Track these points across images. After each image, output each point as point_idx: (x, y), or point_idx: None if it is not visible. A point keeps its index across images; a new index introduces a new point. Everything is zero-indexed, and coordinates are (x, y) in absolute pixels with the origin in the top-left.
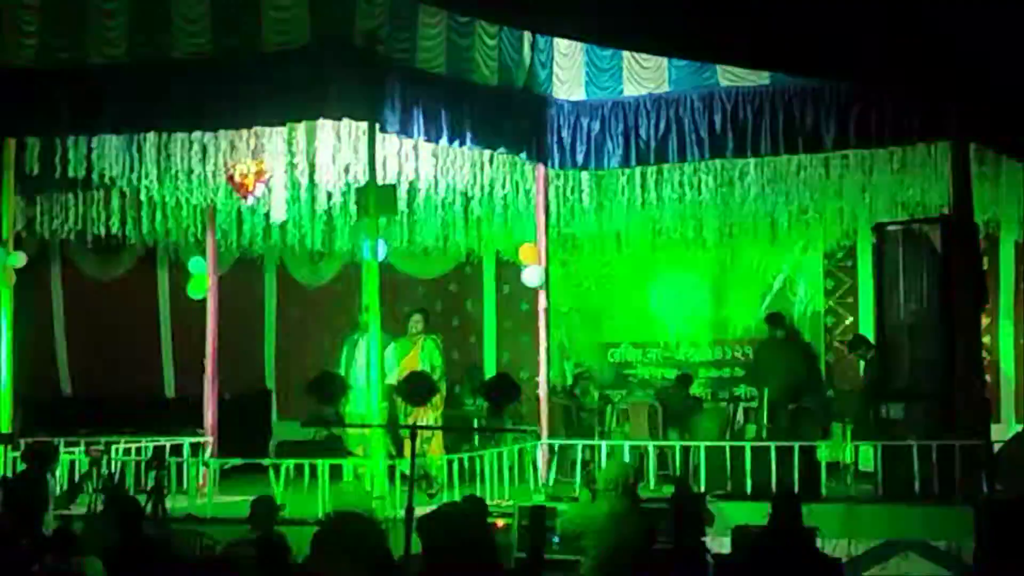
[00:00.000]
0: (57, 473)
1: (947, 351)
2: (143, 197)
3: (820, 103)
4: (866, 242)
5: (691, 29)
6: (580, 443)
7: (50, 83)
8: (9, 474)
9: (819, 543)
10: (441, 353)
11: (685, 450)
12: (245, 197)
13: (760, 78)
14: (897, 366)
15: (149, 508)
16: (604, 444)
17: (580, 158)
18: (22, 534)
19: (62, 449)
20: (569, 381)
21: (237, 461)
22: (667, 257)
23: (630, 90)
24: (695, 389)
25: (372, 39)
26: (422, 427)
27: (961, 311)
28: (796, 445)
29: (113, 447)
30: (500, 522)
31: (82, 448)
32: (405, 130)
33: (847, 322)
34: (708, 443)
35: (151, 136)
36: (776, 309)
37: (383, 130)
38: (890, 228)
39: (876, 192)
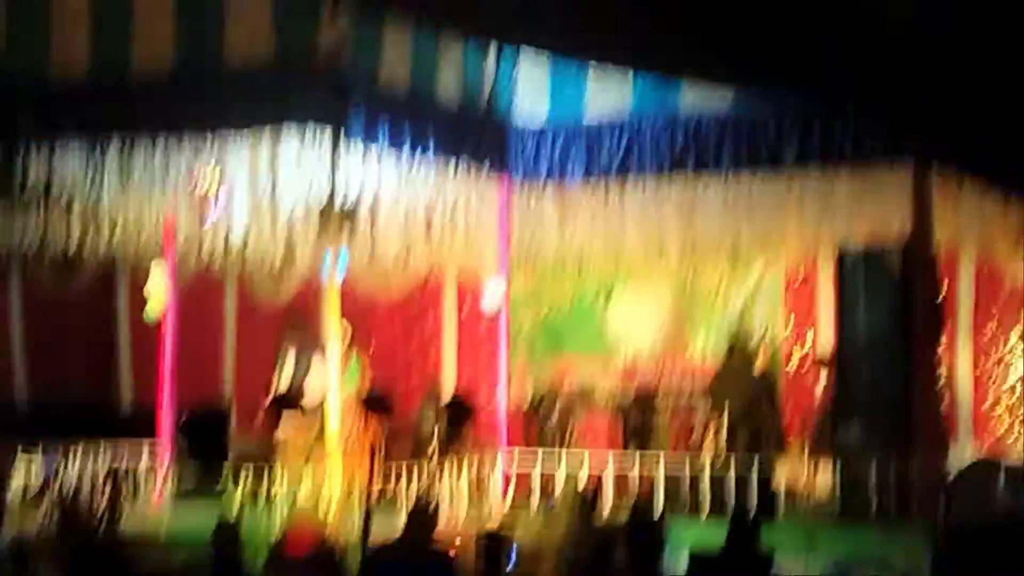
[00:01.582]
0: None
1: (905, 373)
2: (103, 212)
3: (783, 120)
4: (828, 262)
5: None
6: (540, 458)
7: (11, 93)
8: None
9: (776, 564)
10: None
11: (644, 469)
12: (206, 213)
13: (724, 95)
14: (856, 388)
15: (103, 521)
16: (564, 461)
17: (543, 173)
18: None
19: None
20: (530, 399)
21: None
22: (629, 274)
23: (594, 106)
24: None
25: (335, 56)
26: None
27: (918, 337)
28: (755, 464)
29: (69, 456)
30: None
31: (38, 458)
32: (369, 137)
33: (807, 343)
34: (667, 463)
35: (113, 148)
36: (736, 329)
37: (347, 135)
38: (850, 252)
39: (837, 213)
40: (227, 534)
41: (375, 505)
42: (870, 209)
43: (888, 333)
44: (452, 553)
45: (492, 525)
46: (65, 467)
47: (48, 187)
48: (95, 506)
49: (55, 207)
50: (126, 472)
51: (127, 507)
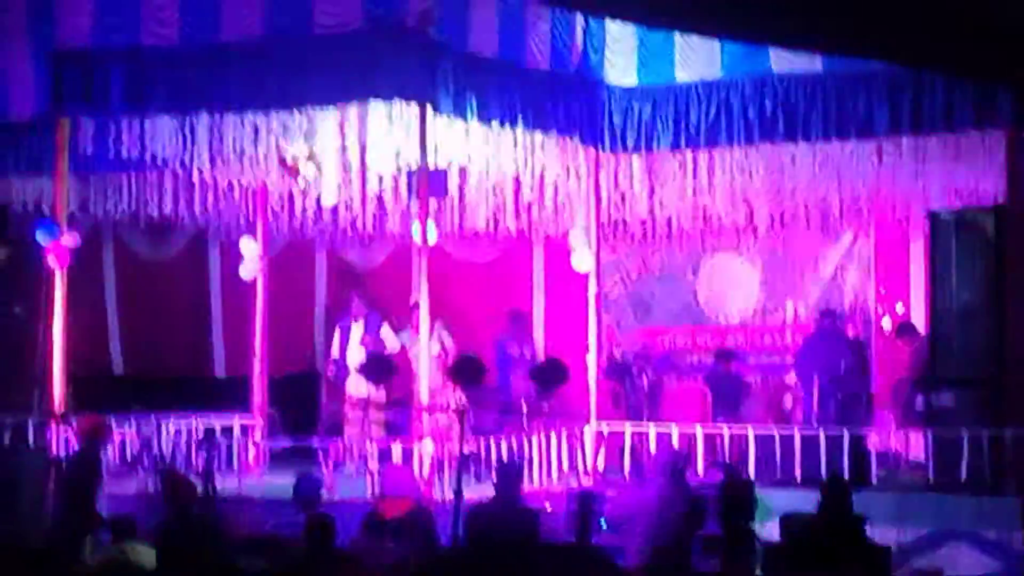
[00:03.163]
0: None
1: (999, 340)
2: (195, 178)
3: (872, 89)
4: (918, 230)
5: (742, 9)
6: (629, 428)
7: (104, 63)
8: (63, 452)
9: (868, 531)
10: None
11: (734, 436)
12: (296, 179)
13: (813, 64)
14: (948, 354)
15: (200, 488)
16: (652, 428)
17: (631, 143)
18: (75, 511)
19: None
20: (619, 365)
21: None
22: (717, 243)
23: (682, 75)
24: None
25: (424, 21)
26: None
27: (1013, 300)
28: (846, 433)
29: (163, 426)
30: (548, 507)
31: (133, 427)
32: (458, 111)
33: (898, 310)
34: (757, 429)
35: (204, 117)
36: (826, 297)
37: (436, 111)
38: (943, 216)
39: (929, 180)
40: (308, 486)
41: (466, 466)
42: (962, 175)
43: (981, 300)
44: (544, 511)
45: (584, 484)
46: (159, 435)
47: (141, 157)
48: (190, 472)
49: (148, 175)
50: (220, 438)
51: (221, 473)
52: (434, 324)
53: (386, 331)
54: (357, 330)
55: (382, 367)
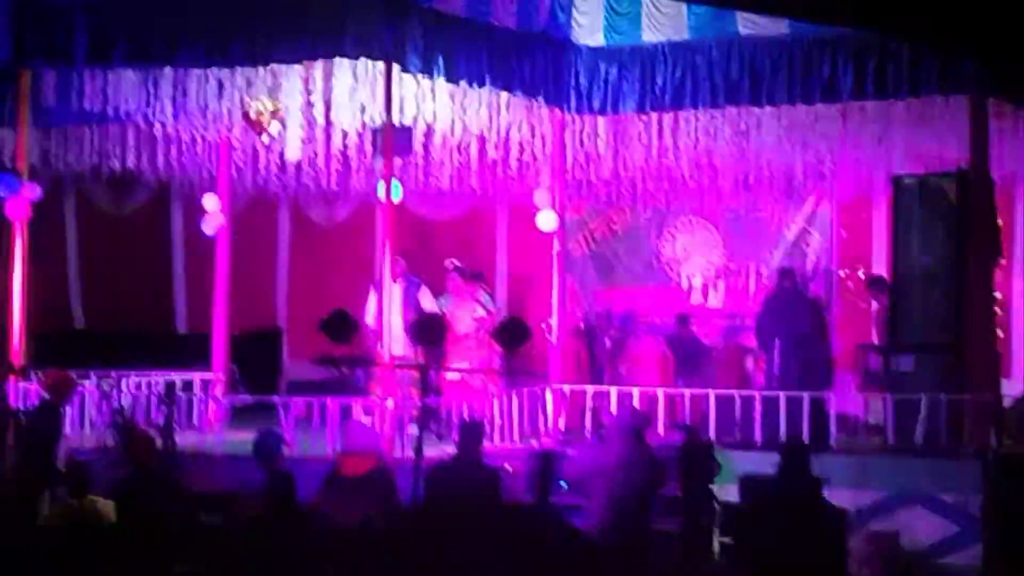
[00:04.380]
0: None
1: (960, 305)
2: (158, 132)
3: (838, 53)
4: (881, 195)
5: None
6: (590, 388)
7: (67, 15)
8: (21, 406)
9: (826, 494)
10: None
11: (695, 398)
12: (260, 135)
13: (779, 27)
14: (909, 319)
15: (159, 444)
16: (614, 390)
17: (597, 103)
18: (35, 465)
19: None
20: (581, 326)
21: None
22: (681, 206)
23: (648, 36)
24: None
25: None
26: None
27: (975, 265)
28: (806, 395)
29: (124, 381)
30: (508, 467)
31: (93, 381)
32: (426, 70)
33: (859, 274)
34: (718, 391)
35: (167, 71)
36: (789, 260)
37: (404, 70)
38: (906, 181)
39: (892, 144)
40: (269, 441)
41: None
42: (925, 140)
43: (942, 265)
44: (505, 470)
45: (544, 444)
46: (120, 391)
47: (104, 110)
48: (151, 428)
49: (110, 128)
50: (180, 394)
51: (181, 429)
52: (478, 289)
53: (424, 295)
54: (396, 293)
55: (433, 329)
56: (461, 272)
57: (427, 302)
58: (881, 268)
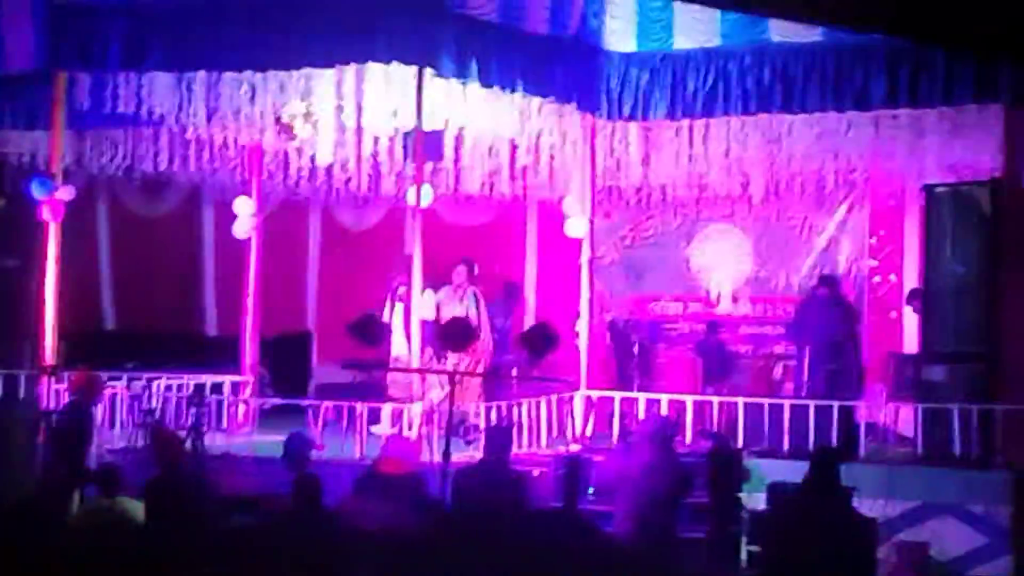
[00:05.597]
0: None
1: (992, 315)
2: (190, 136)
3: (871, 61)
4: (913, 204)
5: None
6: (619, 395)
7: (102, 19)
8: (52, 406)
9: (855, 503)
10: (477, 307)
11: (723, 405)
12: (292, 139)
13: (812, 34)
14: (941, 328)
15: (188, 445)
16: (642, 396)
17: (628, 109)
18: (64, 465)
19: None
20: (609, 333)
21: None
22: (712, 212)
23: (681, 43)
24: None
25: None
26: (460, 372)
27: (1008, 275)
28: (835, 404)
29: (154, 383)
30: (536, 472)
31: (123, 383)
32: (460, 74)
33: (891, 282)
34: (746, 399)
35: (201, 75)
36: (820, 267)
37: (438, 74)
38: (939, 190)
39: (925, 153)
40: (299, 444)
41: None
42: (958, 149)
43: (975, 274)
44: (532, 475)
45: (572, 451)
46: (150, 392)
47: (137, 112)
48: (179, 430)
49: (143, 131)
50: (210, 396)
51: (210, 430)
52: (468, 290)
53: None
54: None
55: (462, 333)
56: (469, 268)
57: (425, 308)
58: (913, 277)
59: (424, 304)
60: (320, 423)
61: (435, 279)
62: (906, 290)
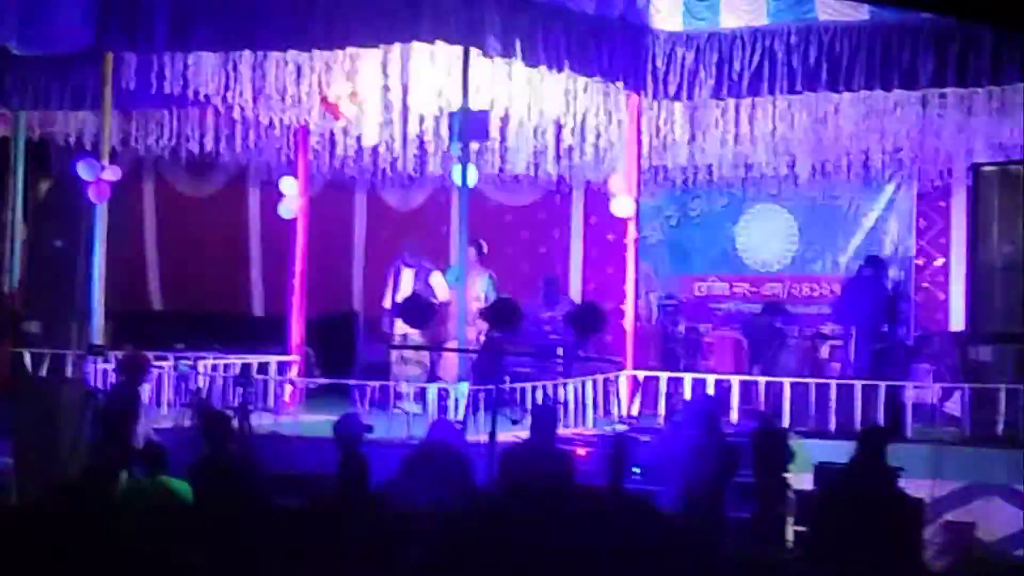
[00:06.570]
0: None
1: None
2: (236, 116)
3: (919, 40)
4: (960, 183)
5: None
6: (665, 375)
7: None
8: (100, 386)
9: (902, 484)
10: (495, 288)
11: (769, 385)
12: (337, 119)
13: (859, 13)
14: (988, 308)
15: (235, 425)
16: (688, 376)
17: (673, 89)
18: (111, 444)
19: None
20: (655, 313)
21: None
22: (758, 192)
23: (727, 21)
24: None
25: None
26: (504, 352)
27: None
28: (882, 384)
29: (201, 363)
30: (582, 451)
31: (171, 362)
32: (505, 53)
33: (938, 263)
34: (792, 379)
35: (246, 55)
36: (866, 247)
37: (484, 53)
38: (986, 169)
39: (973, 133)
40: (351, 425)
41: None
42: (1006, 129)
43: (1022, 254)
44: (578, 454)
45: (618, 430)
46: (197, 372)
47: (183, 93)
48: (227, 409)
49: (190, 111)
50: (256, 376)
51: (257, 410)
52: (486, 273)
53: (437, 279)
54: (408, 276)
55: (421, 310)
56: (479, 249)
57: (440, 288)
58: (960, 257)
59: (439, 285)
60: (366, 403)
61: (481, 259)
62: (953, 270)
